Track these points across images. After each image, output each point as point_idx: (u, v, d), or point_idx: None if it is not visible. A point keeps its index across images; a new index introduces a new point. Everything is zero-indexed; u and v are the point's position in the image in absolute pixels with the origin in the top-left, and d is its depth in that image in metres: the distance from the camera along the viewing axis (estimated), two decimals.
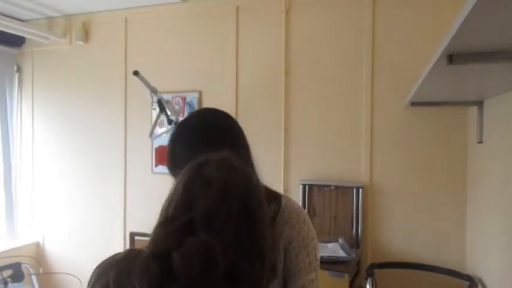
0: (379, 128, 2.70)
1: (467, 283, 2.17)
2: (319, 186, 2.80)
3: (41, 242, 3.70)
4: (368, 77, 2.71)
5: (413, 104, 2.39)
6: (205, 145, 1.00)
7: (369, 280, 2.31)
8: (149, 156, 3.30)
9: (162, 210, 0.82)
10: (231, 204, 0.76)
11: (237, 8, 3.04)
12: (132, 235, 3.25)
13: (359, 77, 2.74)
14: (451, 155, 2.54)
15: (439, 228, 2.56)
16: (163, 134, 3.07)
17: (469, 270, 2.34)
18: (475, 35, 0.93)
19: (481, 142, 2.14)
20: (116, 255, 0.85)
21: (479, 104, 2.12)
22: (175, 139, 1.13)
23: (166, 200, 0.82)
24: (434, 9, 2.56)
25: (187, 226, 0.73)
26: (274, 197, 1.14)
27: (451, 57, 1.09)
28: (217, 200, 0.75)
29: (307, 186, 2.82)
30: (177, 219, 0.76)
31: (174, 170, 1.10)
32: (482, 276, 2.10)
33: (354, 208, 2.69)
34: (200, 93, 3.15)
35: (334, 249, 2.47)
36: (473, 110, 2.28)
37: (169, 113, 2.87)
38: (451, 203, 2.54)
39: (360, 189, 2.67)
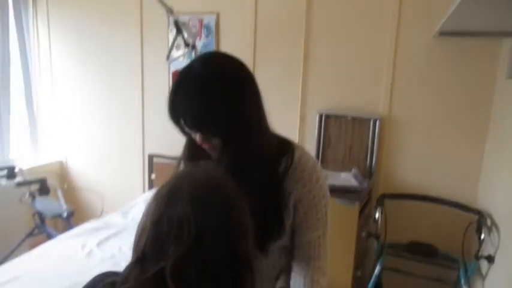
0: (403, 59, 2.58)
1: (477, 217, 2.20)
2: (336, 116, 2.77)
3: (64, 161, 3.86)
4: (396, 3, 2.54)
5: (442, 34, 2.26)
6: (216, 103, 0.90)
7: (378, 209, 2.36)
8: (166, 80, 3.28)
9: (135, 242, 0.72)
10: (205, 253, 0.66)
11: None
12: (151, 156, 3.35)
13: (386, 3, 2.57)
14: (476, 90, 2.44)
15: (454, 163, 2.55)
16: (180, 58, 3.02)
17: (480, 205, 2.37)
18: None
19: (510, 78, 2.04)
20: (97, 284, 0.77)
21: None
22: (177, 89, 0.96)
23: (139, 226, 0.73)
24: None
25: (158, 277, 0.64)
26: (286, 149, 1.07)
27: None
28: (189, 249, 0.64)
29: (324, 116, 2.80)
30: (149, 261, 0.67)
31: (175, 122, 0.99)
32: (492, 211, 2.13)
33: (370, 139, 2.68)
34: (218, 15, 3.03)
35: (346, 178, 2.51)
36: (506, 43, 2.14)
37: (186, 35, 2.80)
38: (471, 138, 2.49)
39: (377, 121, 2.64)
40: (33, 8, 3.63)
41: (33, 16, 3.64)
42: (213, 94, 0.91)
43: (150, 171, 3.37)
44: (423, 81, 2.56)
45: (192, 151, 1.06)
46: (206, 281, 0.65)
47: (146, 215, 0.71)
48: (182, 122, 0.96)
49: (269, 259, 1.12)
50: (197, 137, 0.96)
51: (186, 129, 0.98)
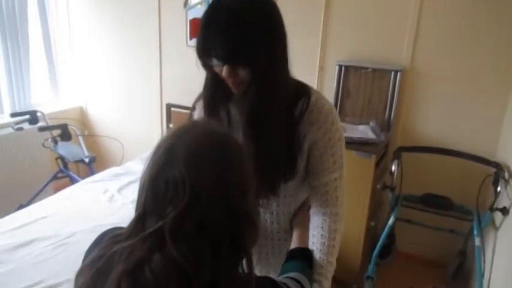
0: (429, 9, 2.47)
1: (494, 170, 2.19)
2: (356, 67, 2.71)
3: (84, 107, 3.92)
4: None
5: None
6: (250, 33, 0.91)
7: (395, 162, 2.37)
8: (183, 29, 3.23)
9: (138, 196, 0.72)
10: (202, 213, 0.66)
11: None
12: (169, 106, 3.38)
13: None
14: (504, 45, 2.34)
15: (475, 118, 2.50)
16: (198, 5, 2.95)
17: (499, 158, 2.35)
18: None
19: None
20: (105, 236, 0.79)
21: None
22: (209, 20, 0.95)
23: (140, 181, 0.73)
24: None
25: (157, 235, 0.66)
26: (303, 92, 1.07)
27: None
28: (185, 209, 0.65)
29: (343, 67, 2.74)
30: (150, 218, 0.68)
31: (206, 55, 0.97)
32: (511, 164, 2.11)
33: (390, 92, 2.63)
34: None
35: (364, 130, 2.50)
36: None
37: None
38: (494, 92, 2.43)
39: (398, 73, 2.57)
40: None
41: None
42: (247, 25, 0.92)
43: (168, 121, 3.41)
44: (449, 33, 2.45)
45: (212, 91, 1.07)
46: (204, 239, 0.66)
47: (146, 170, 0.71)
48: (213, 54, 0.95)
49: (282, 206, 1.16)
50: (224, 71, 0.95)
51: (214, 62, 0.96)
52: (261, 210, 1.18)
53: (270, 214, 1.20)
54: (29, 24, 3.38)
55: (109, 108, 3.81)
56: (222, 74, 0.96)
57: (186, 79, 3.27)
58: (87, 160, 3.12)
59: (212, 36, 0.93)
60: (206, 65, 1.00)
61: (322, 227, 1.10)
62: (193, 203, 0.65)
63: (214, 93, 1.06)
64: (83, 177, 3.00)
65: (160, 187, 0.68)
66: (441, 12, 2.45)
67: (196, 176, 0.67)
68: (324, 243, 1.08)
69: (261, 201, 1.13)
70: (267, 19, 0.96)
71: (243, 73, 0.95)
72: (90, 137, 3.84)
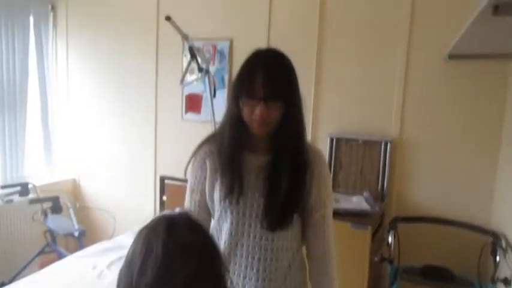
0: (413, 81, 2.61)
1: (491, 239, 2.17)
2: (347, 139, 2.78)
3: (77, 179, 3.91)
4: (406, 26, 2.58)
5: (452, 57, 2.29)
6: (289, 76, 1.19)
7: (391, 233, 2.34)
8: (179, 103, 3.35)
9: (119, 273, 0.77)
10: None
11: None
12: (163, 178, 3.38)
13: (397, 26, 2.61)
14: (487, 109, 2.44)
15: (466, 185, 2.52)
16: (194, 82, 3.08)
17: (494, 226, 2.33)
18: None
19: None
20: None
21: None
22: (249, 67, 1.17)
23: (125, 259, 0.77)
24: None
25: None
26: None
27: (497, 8, 1.02)
28: None
29: (334, 140, 2.81)
30: None
31: (247, 95, 1.14)
32: (507, 232, 2.09)
33: (381, 162, 2.68)
34: (231, 41, 3.11)
35: (358, 201, 2.50)
36: None
37: (200, 60, 2.86)
38: (482, 159, 2.47)
39: (388, 144, 2.64)
40: (53, 27, 3.79)
41: (52, 35, 3.80)
42: (284, 69, 1.18)
43: (162, 193, 3.39)
44: (433, 103, 2.57)
45: (236, 132, 1.20)
46: None
47: (128, 252, 0.75)
48: (254, 93, 1.11)
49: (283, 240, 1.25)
50: (260, 107, 1.11)
51: (247, 102, 1.13)
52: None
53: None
54: (28, 96, 3.49)
55: (102, 180, 3.81)
56: (251, 113, 1.13)
57: (181, 152, 3.32)
58: (76, 234, 3.04)
59: (255, 78, 1.12)
60: (237, 105, 1.16)
61: (326, 273, 1.25)
62: None
63: (238, 134, 1.20)
64: (72, 252, 2.90)
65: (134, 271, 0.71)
66: (425, 84, 2.58)
67: (171, 271, 0.70)
68: None
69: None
70: (294, 69, 1.21)
71: (274, 111, 1.12)
72: (82, 209, 3.78)
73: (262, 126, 1.15)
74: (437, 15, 2.51)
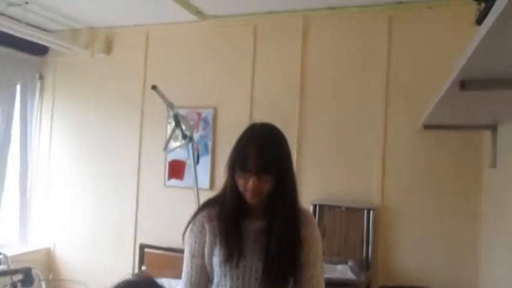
0: (391, 150, 2.70)
1: None
2: (330, 206, 2.79)
3: (52, 248, 3.74)
4: (382, 99, 2.72)
5: (427, 127, 2.39)
6: (282, 152, 1.27)
7: None
8: (162, 170, 3.34)
9: None
10: None
11: (255, 28, 3.11)
12: (142, 247, 3.27)
13: (373, 99, 2.76)
14: (465, 179, 2.52)
15: (451, 253, 2.52)
16: (177, 149, 3.11)
17: None
18: (486, 63, 0.95)
19: (494, 167, 2.12)
20: None
21: (493, 128, 2.11)
22: (244, 143, 1.26)
23: None
24: (448, 36, 2.58)
25: None
26: None
27: (464, 84, 1.10)
28: None
29: (318, 207, 2.82)
30: None
31: (242, 170, 1.22)
32: None
33: (365, 230, 2.67)
34: (215, 109, 3.20)
35: (343, 271, 2.45)
36: (487, 134, 2.27)
37: (184, 128, 2.92)
38: (465, 227, 2.50)
39: (371, 211, 2.66)
40: (39, 98, 3.83)
41: (38, 106, 3.83)
42: (276, 146, 1.26)
43: (141, 262, 3.26)
44: (412, 170, 2.64)
45: (234, 200, 1.27)
46: None
47: None
48: (248, 167, 1.20)
49: None
50: (251, 181, 1.19)
51: (241, 175, 1.21)
52: None
53: None
54: (8, 162, 3.44)
55: (78, 250, 3.65)
56: (245, 184, 1.21)
57: (162, 219, 3.26)
58: None
59: (248, 153, 1.21)
60: (233, 176, 1.24)
61: None
62: None
63: (236, 202, 1.26)
64: None
65: None
66: (403, 153, 2.67)
67: None
68: None
69: None
70: (286, 143, 1.30)
71: (266, 183, 1.21)
72: (55, 281, 3.58)
73: (255, 197, 1.23)
74: (411, 89, 2.67)
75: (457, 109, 1.65)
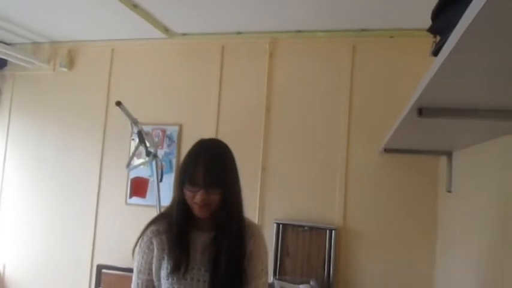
0: (353, 172, 2.77)
1: None
2: (293, 226, 2.81)
3: (1, 270, 3.53)
4: (345, 122, 2.80)
5: (387, 150, 2.48)
6: (230, 166, 1.34)
7: None
8: (124, 187, 3.26)
9: None
10: None
11: (223, 47, 3.14)
12: (100, 267, 3.15)
13: (336, 122, 2.83)
14: (422, 201, 2.62)
15: (409, 273, 2.59)
16: (141, 166, 3.05)
17: None
18: (442, 92, 1.00)
19: (449, 191, 2.22)
20: None
21: (449, 154, 2.21)
22: (193, 159, 1.29)
23: None
24: (408, 64, 2.71)
25: None
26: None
27: (421, 111, 1.16)
28: None
29: (281, 226, 2.83)
30: None
31: (191, 184, 1.25)
32: None
33: (327, 249, 2.70)
34: (181, 126, 3.18)
35: None
36: (443, 160, 2.38)
37: (148, 144, 2.87)
38: (422, 248, 2.58)
39: (333, 231, 2.69)
40: None
41: None
42: (224, 162, 1.31)
43: (98, 284, 3.13)
44: (373, 192, 2.71)
45: (183, 213, 1.30)
46: None
47: None
48: (196, 181, 1.23)
49: None
50: (199, 194, 1.23)
51: (190, 188, 1.24)
52: None
53: None
54: None
55: (30, 270, 3.46)
56: (193, 197, 1.24)
57: (123, 238, 3.15)
58: None
59: (196, 168, 1.24)
60: (181, 190, 1.27)
61: None
62: None
63: (184, 215, 1.30)
64: None
65: None
66: (364, 175, 2.74)
67: None
68: None
69: None
70: (233, 158, 1.36)
71: (213, 196, 1.24)
72: None
73: (203, 210, 1.26)
74: (373, 113, 2.76)
75: (415, 135, 1.73)
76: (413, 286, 2.57)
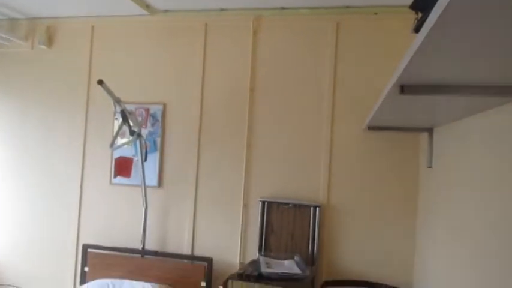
0: (337, 150, 2.80)
1: None
2: (278, 203, 2.84)
3: None
4: (329, 99, 2.82)
5: (371, 128, 2.51)
6: None
7: None
8: (108, 167, 3.24)
9: None
10: None
11: (206, 25, 3.09)
12: (85, 247, 3.15)
13: (321, 99, 2.84)
14: (404, 178, 2.67)
15: (390, 248, 2.66)
16: (124, 145, 3.03)
17: (416, 286, 2.45)
18: (423, 69, 1.01)
19: (430, 167, 2.27)
20: None
21: (430, 130, 2.26)
22: None
23: None
24: (391, 41, 2.72)
25: None
26: None
27: (403, 88, 1.18)
28: None
29: (266, 203, 2.86)
30: None
31: None
32: None
33: (311, 226, 2.75)
34: (164, 105, 3.15)
35: (289, 266, 2.51)
36: (425, 136, 2.42)
37: (131, 124, 2.85)
38: (403, 224, 2.65)
39: (317, 208, 2.74)
40: None
41: None
42: None
43: (84, 264, 3.14)
44: (357, 169, 2.75)
45: None
46: None
47: None
48: None
49: None
50: None
51: None
52: None
53: None
54: None
55: (15, 252, 3.44)
56: None
57: (108, 218, 3.16)
58: None
59: None
60: None
61: None
62: None
63: None
64: None
65: None
66: (348, 153, 2.78)
67: None
68: None
69: None
70: None
71: None
72: None
73: None
74: (356, 91, 2.78)
75: (397, 112, 1.75)
76: (394, 259, 2.65)
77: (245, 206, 2.93)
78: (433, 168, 2.26)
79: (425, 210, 2.45)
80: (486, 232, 1.44)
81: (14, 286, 3.32)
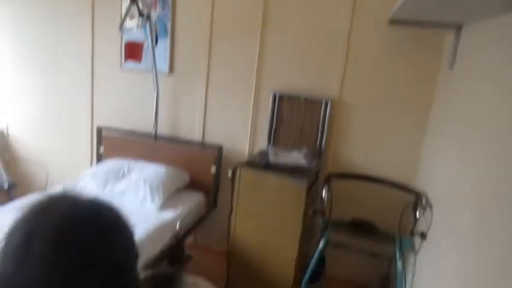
0: (355, 44, 2.66)
1: (414, 197, 2.36)
2: (289, 97, 2.82)
3: (5, 130, 3.65)
4: None
5: (393, 22, 2.35)
6: None
7: (325, 188, 2.46)
8: (118, 52, 3.17)
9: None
10: None
11: None
12: (100, 129, 3.25)
13: None
14: (421, 78, 2.58)
15: (397, 146, 2.70)
16: (134, 29, 2.92)
17: (418, 186, 2.54)
18: None
19: (451, 68, 2.17)
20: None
21: (458, 28, 2.10)
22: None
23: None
24: None
25: None
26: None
27: None
28: None
29: (277, 96, 2.84)
30: None
31: None
32: (428, 192, 2.29)
33: (321, 121, 2.77)
34: None
35: (296, 157, 2.59)
36: (450, 36, 2.27)
37: (140, 5, 2.71)
38: (413, 124, 2.64)
39: (329, 103, 2.72)
40: None
41: None
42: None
43: (99, 144, 3.27)
44: (373, 66, 2.66)
45: None
46: None
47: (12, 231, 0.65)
48: None
49: None
50: None
51: None
52: None
53: None
54: None
55: (33, 131, 3.58)
56: None
57: (119, 102, 3.19)
58: (6, 186, 2.88)
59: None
60: None
61: None
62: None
63: None
64: (2, 204, 2.75)
65: (17, 254, 0.61)
66: (366, 48, 2.65)
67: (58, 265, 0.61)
68: None
69: None
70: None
71: None
72: (13, 161, 3.56)
73: None
74: None
75: (424, 3, 1.61)
76: (399, 160, 2.69)
77: (256, 98, 2.92)
78: (454, 70, 2.16)
79: (438, 113, 2.42)
80: (508, 134, 1.42)
81: (36, 162, 3.52)
